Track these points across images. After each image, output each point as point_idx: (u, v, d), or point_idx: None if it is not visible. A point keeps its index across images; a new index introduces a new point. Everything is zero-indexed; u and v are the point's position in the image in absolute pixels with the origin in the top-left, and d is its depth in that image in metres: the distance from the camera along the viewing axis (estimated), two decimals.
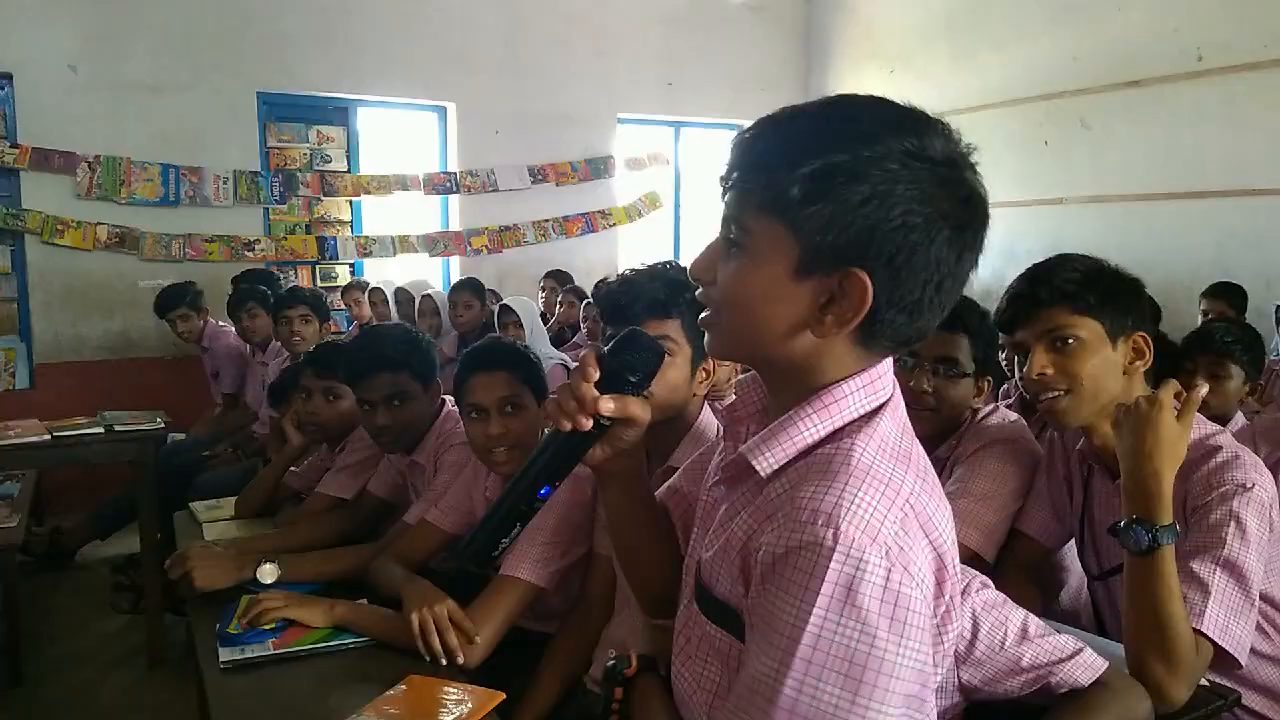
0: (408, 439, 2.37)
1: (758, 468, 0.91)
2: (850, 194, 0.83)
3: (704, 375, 1.79)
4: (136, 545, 3.77)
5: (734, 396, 1.10)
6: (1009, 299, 1.67)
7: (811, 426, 0.90)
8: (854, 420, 0.91)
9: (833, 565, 0.80)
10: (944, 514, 0.91)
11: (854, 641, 0.79)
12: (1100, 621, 1.76)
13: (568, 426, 1.02)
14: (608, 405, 1.02)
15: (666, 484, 1.32)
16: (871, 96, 0.90)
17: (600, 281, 5.08)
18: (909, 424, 0.95)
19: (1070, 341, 1.58)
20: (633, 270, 1.79)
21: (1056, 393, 1.59)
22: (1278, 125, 4.92)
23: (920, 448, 0.96)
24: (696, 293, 0.99)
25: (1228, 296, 4.58)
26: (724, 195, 0.93)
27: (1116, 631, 1.54)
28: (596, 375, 1.02)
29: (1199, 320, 4.28)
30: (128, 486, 3.97)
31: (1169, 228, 5.41)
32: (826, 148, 0.84)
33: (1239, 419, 2.63)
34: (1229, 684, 1.48)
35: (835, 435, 0.90)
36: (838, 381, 0.91)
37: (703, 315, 0.98)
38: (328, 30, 6.05)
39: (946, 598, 0.89)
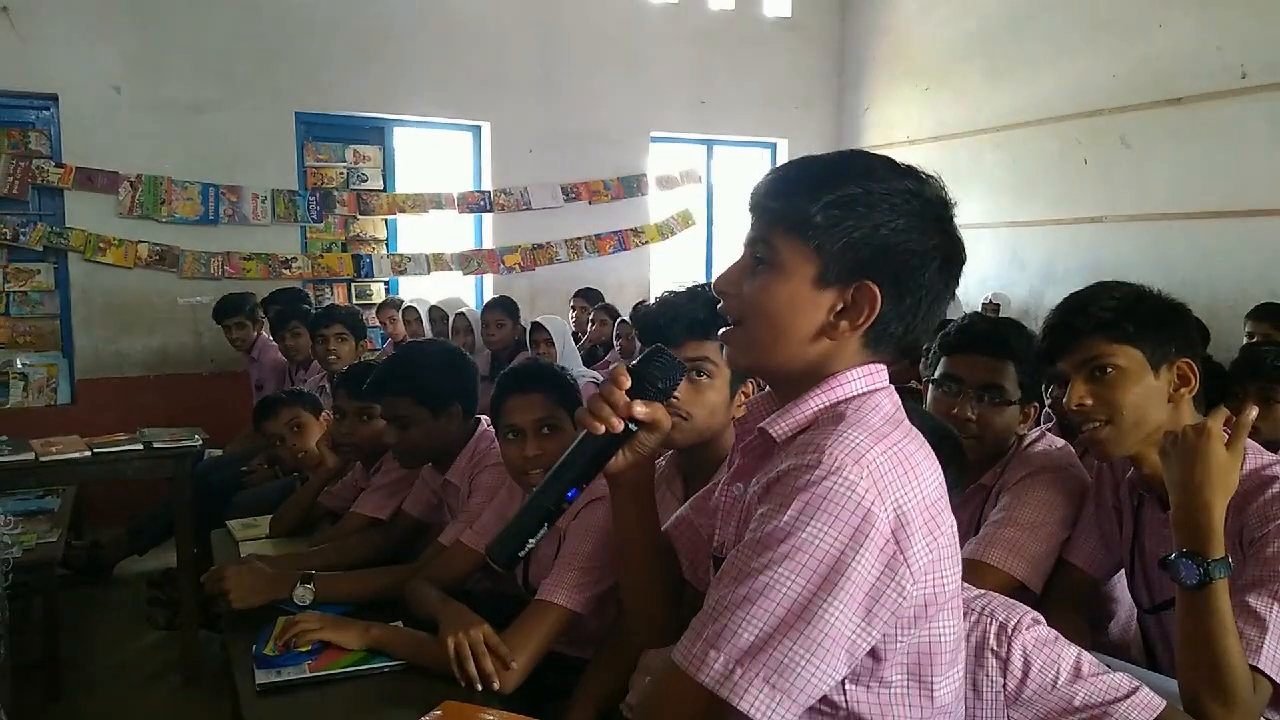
0: (419, 458, 2.39)
1: (773, 433, 1.05)
2: (864, 220, 0.99)
3: (742, 399, 1.77)
4: (173, 560, 3.81)
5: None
6: (1046, 329, 1.64)
7: (819, 402, 1.04)
8: (854, 396, 1.04)
9: (814, 476, 0.93)
10: (931, 466, 1.01)
11: (819, 541, 0.91)
12: (1151, 655, 1.71)
13: (600, 429, 1.12)
14: (640, 409, 1.13)
15: (675, 515, 1.36)
16: (877, 153, 1.07)
17: (639, 304, 5.09)
18: (902, 406, 1.08)
19: (1109, 371, 1.54)
20: (672, 291, 1.79)
21: (1096, 423, 1.56)
22: None
23: (911, 425, 1.06)
24: (719, 306, 1.10)
25: (1273, 318, 4.47)
26: (751, 222, 1.07)
27: (1169, 665, 1.50)
28: (628, 383, 1.12)
29: (1244, 342, 4.18)
30: (166, 502, 4.01)
31: (1212, 247, 5.30)
32: (843, 181, 1.00)
33: None
34: None
35: (835, 406, 1.04)
36: (842, 370, 1.05)
37: (725, 330, 1.09)
38: (365, 51, 6.12)
39: (944, 529, 0.99)
